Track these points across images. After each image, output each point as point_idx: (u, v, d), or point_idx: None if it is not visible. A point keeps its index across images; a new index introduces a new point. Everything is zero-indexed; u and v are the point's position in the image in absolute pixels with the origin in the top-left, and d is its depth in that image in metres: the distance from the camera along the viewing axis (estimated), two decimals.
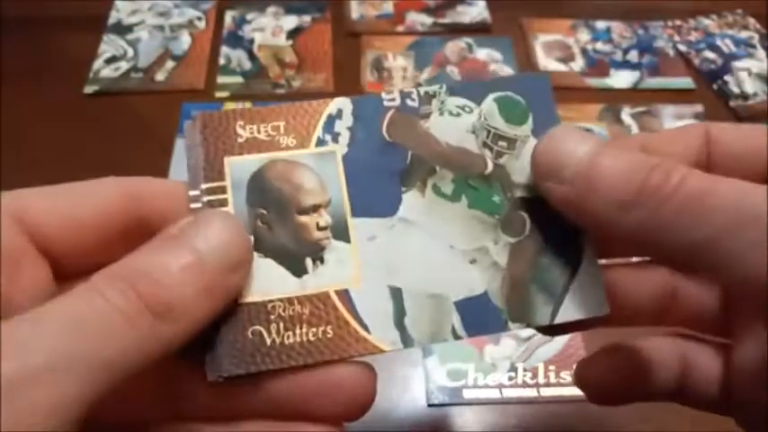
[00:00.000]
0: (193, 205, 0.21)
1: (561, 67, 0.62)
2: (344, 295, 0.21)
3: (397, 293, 0.22)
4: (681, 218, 0.19)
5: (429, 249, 0.22)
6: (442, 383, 0.40)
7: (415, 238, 0.22)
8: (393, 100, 0.23)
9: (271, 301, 0.21)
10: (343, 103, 0.23)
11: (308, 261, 0.22)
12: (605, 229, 0.21)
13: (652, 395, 0.25)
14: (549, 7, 0.68)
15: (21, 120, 0.55)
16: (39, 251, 0.20)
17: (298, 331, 0.21)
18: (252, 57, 0.62)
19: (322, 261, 0.22)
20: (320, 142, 0.23)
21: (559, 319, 0.22)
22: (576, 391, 0.40)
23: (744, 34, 0.66)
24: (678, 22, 0.67)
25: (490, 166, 0.23)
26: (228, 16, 0.66)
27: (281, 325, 0.21)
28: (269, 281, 0.21)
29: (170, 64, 0.60)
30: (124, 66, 0.60)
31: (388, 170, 0.23)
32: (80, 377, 0.16)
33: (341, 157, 0.23)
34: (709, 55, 0.63)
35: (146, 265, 0.18)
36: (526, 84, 0.24)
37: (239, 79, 0.60)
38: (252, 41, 0.63)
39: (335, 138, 0.23)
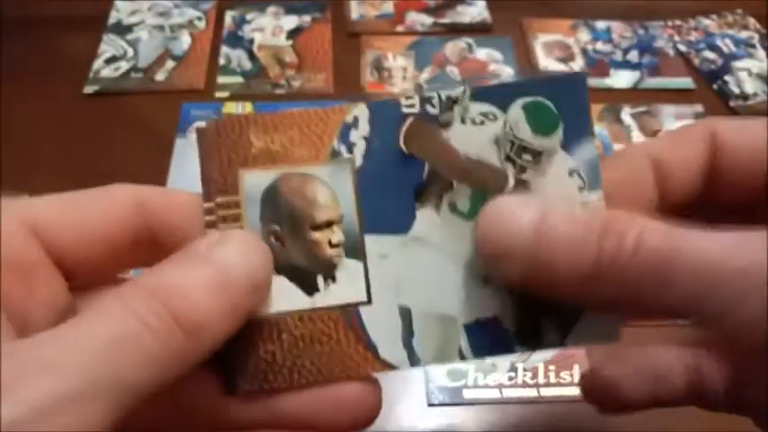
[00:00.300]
0: (208, 218, 0.21)
1: (561, 67, 0.62)
2: (354, 314, 0.21)
3: (406, 313, 0.22)
4: (646, 286, 0.18)
5: (441, 269, 0.22)
6: (442, 383, 0.40)
7: (428, 257, 0.22)
8: (412, 106, 0.22)
9: (284, 318, 0.21)
10: (360, 111, 0.22)
11: (320, 278, 0.21)
12: (579, 303, 0.20)
13: (663, 402, 0.24)
14: (549, 7, 0.68)
15: (21, 120, 0.55)
16: (53, 262, 0.20)
17: (308, 349, 0.21)
18: (252, 57, 0.62)
19: (334, 279, 0.21)
20: (335, 153, 0.22)
21: (569, 344, 0.22)
22: (576, 391, 0.40)
23: (744, 34, 0.66)
24: (678, 22, 0.67)
25: (511, 183, 0.22)
26: (228, 16, 0.66)
27: (293, 342, 0.21)
28: (282, 298, 0.21)
29: (170, 64, 0.60)
30: (124, 66, 0.60)
31: (403, 184, 0.22)
32: (111, 401, 0.16)
33: (355, 169, 0.22)
34: (709, 55, 0.63)
35: (177, 282, 0.18)
36: (560, 86, 0.22)
37: (239, 79, 0.60)
38: (252, 41, 0.63)
39: (350, 148, 0.22)
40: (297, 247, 0.21)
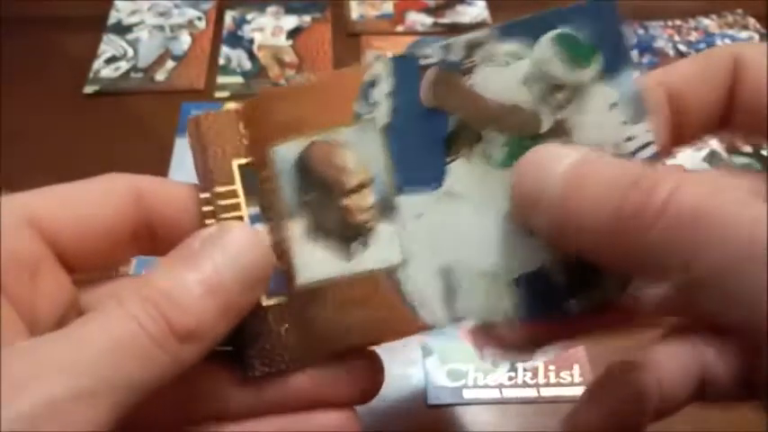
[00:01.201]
0: (205, 209, 0.21)
1: None
2: (392, 277, 0.21)
3: (445, 272, 0.21)
4: (671, 249, 0.16)
5: (480, 224, 0.21)
6: (442, 383, 0.40)
7: (464, 211, 0.21)
8: (431, 56, 0.21)
9: (320, 285, 0.21)
10: (379, 68, 0.21)
11: (355, 244, 0.21)
12: (598, 263, 0.19)
13: (673, 410, 0.22)
14: (549, 7, 0.68)
15: (21, 120, 0.55)
16: (55, 256, 0.21)
17: (347, 313, 0.21)
18: (252, 57, 0.62)
19: (367, 244, 0.21)
20: (358, 115, 0.21)
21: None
22: (575, 391, 0.40)
23: (744, 34, 0.66)
24: (678, 22, 0.67)
25: (546, 125, 0.20)
26: (228, 16, 0.66)
27: (334, 304, 0.21)
28: (315, 267, 0.21)
29: (170, 64, 0.60)
30: (124, 66, 0.60)
31: (431, 138, 0.21)
32: (116, 399, 0.16)
33: (381, 128, 0.21)
34: None
35: (170, 287, 0.18)
36: (589, 13, 0.20)
37: (239, 79, 0.60)
38: (252, 41, 0.63)
39: (374, 108, 0.21)
40: (331, 215, 0.21)
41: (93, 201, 0.21)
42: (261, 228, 0.21)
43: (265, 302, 0.21)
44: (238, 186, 0.21)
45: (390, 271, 0.21)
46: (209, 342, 0.19)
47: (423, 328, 0.21)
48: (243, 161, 0.21)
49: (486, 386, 0.40)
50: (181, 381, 0.21)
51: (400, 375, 0.40)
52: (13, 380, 0.15)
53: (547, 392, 0.40)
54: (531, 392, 0.40)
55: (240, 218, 0.21)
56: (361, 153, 0.21)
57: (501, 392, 0.40)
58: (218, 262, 0.19)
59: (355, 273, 0.21)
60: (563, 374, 0.41)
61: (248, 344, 0.21)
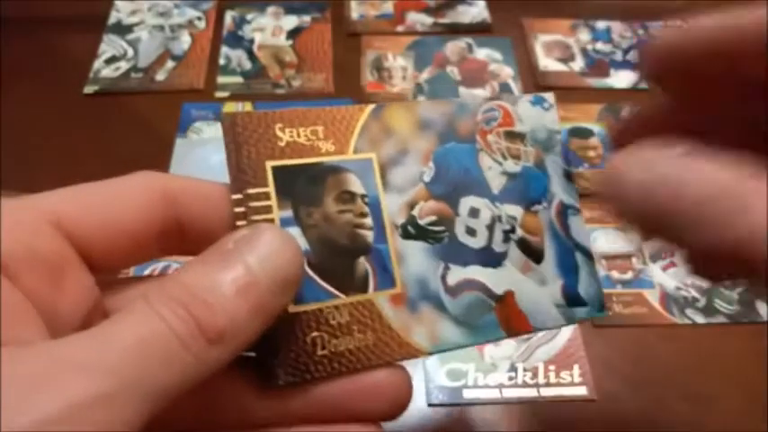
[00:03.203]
0: (237, 209, 0.21)
1: (561, 67, 0.62)
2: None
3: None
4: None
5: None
6: (441, 383, 0.40)
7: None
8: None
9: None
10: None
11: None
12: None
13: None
14: (549, 7, 0.68)
15: (21, 120, 0.55)
16: (79, 256, 0.20)
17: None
18: (252, 57, 0.62)
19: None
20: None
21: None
22: (575, 391, 0.40)
23: None
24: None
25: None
26: (228, 16, 0.66)
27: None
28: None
29: (170, 64, 0.60)
30: (124, 66, 0.60)
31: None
32: (140, 402, 0.16)
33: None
34: None
35: (201, 285, 0.18)
36: None
37: (239, 79, 0.60)
38: (252, 41, 0.63)
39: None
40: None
41: (120, 201, 0.21)
42: (294, 231, 0.21)
43: (292, 310, 0.21)
44: (271, 189, 0.21)
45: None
46: (239, 345, 0.18)
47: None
48: (277, 163, 0.21)
49: (486, 386, 0.40)
50: (201, 387, 0.20)
51: None
52: (31, 380, 0.15)
53: (547, 392, 0.40)
54: (531, 392, 0.40)
55: (272, 220, 0.21)
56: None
57: (501, 392, 0.40)
58: (251, 262, 0.18)
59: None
60: (563, 374, 0.41)
61: (273, 352, 0.20)
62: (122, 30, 0.64)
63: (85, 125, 0.55)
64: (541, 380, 0.40)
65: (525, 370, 0.41)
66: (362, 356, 0.21)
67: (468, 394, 0.40)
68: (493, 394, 0.40)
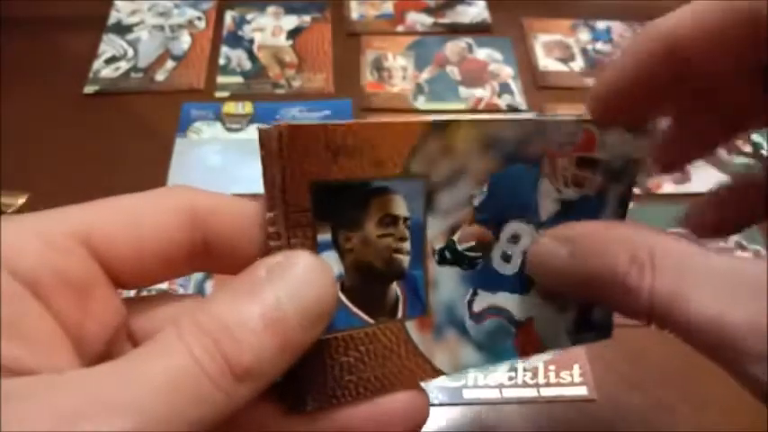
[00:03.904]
0: (270, 229, 0.20)
1: (561, 67, 0.62)
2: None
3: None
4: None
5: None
6: (442, 383, 0.40)
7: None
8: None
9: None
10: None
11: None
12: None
13: None
14: (549, 7, 0.68)
15: (21, 120, 0.55)
16: (107, 276, 0.20)
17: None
18: (252, 57, 0.62)
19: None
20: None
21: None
22: (575, 391, 0.40)
23: None
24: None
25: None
26: (228, 16, 0.66)
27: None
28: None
29: (170, 64, 0.60)
30: (124, 66, 0.60)
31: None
32: None
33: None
34: None
35: (231, 320, 0.17)
36: None
37: (239, 79, 0.60)
38: (252, 41, 0.63)
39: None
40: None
41: (149, 218, 0.20)
42: (331, 256, 0.20)
43: (323, 335, 0.19)
44: (310, 209, 0.19)
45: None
46: (267, 381, 0.18)
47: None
48: (319, 181, 0.19)
49: (486, 386, 0.40)
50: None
51: None
52: (62, 415, 0.15)
53: (547, 392, 0.40)
54: (531, 392, 0.40)
55: (308, 244, 0.20)
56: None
57: (501, 392, 0.40)
58: (282, 295, 0.18)
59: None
60: (563, 374, 0.41)
61: (301, 378, 0.20)
62: (122, 30, 0.64)
63: (85, 125, 0.55)
64: (541, 380, 0.40)
65: (525, 370, 0.41)
66: (387, 382, 0.21)
67: (468, 394, 0.40)
68: (493, 394, 0.40)
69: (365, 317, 0.21)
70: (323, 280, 0.19)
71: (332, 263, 0.20)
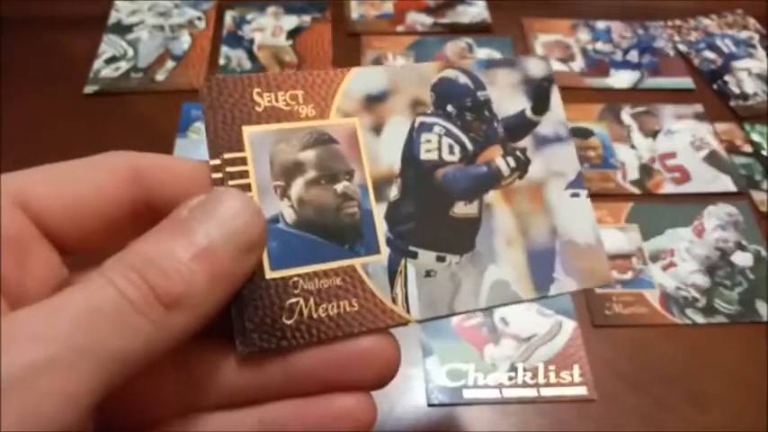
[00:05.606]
0: (215, 176, 0.21)
1: (561, 67, 0.62)
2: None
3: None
4: None
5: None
6: (442, 383, 0.40)
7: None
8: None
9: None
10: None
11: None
12: None
13: None
14: (549, 7, 0.68)
15: (21, 120, 0.55)
16: (45, 236, 0.20)
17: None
18: (252, 57, 0.62)
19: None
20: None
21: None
22: (575, 391, 0.40)
23: (744, 34, 0.66)
24: (678, 22, 0.67)
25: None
26: (228, 16, 0.66)
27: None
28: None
29: (170, 64, 0.60)
30: (124, 66, 0.60)
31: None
32: (92, 369, 0.16)
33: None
34: (709, 55, 0.63)
35: (155, 253, 0.17)
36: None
37: None
38: (252, 41, 0.63)
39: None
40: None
41: (85, 180, 0.20)
42: (271, 195, 0.21)
43: (269, 275, 0.20)
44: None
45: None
46: (202, 311, 0.18)
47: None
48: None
49: (486, 386, 0.40)
50: (179, 367, 0.20)
51: (400, 375, 0.40)
52: None
53: (547, 392, 0.40)
54: (531, 392, 0.40)
55: (248, 186, 0.21)
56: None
57: (501, 392, 0.40)
58: (207, 227, 0.18)
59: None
60: (563, 374, 0.41)
61: (248, 317, 0.20)
62: (122, 30, 0.64)
63: (85, 125, 0.55)
64: (541, 380, 0.40)
65: (525, 370, 0.41)
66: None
67: (468, 394, 0.40)
68: (493, 394, 0.40)
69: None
70: (248, 210, 0.19)
71: (273, 202, 0.21)
